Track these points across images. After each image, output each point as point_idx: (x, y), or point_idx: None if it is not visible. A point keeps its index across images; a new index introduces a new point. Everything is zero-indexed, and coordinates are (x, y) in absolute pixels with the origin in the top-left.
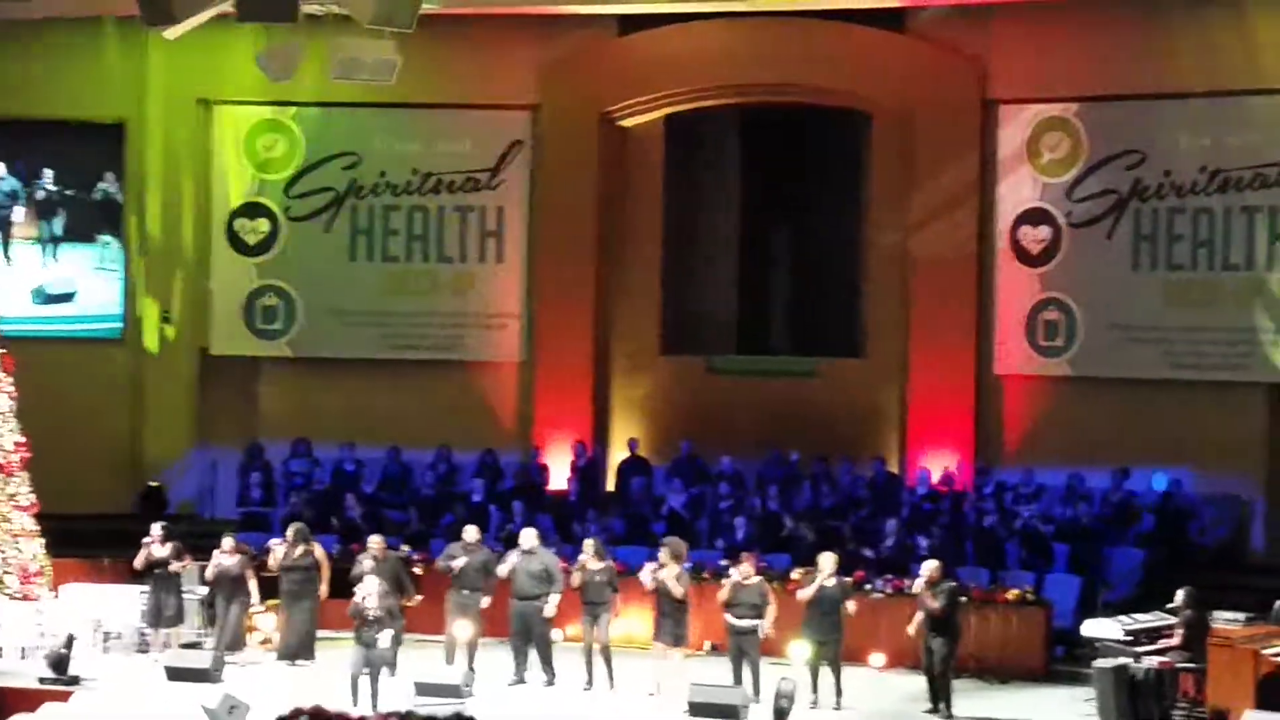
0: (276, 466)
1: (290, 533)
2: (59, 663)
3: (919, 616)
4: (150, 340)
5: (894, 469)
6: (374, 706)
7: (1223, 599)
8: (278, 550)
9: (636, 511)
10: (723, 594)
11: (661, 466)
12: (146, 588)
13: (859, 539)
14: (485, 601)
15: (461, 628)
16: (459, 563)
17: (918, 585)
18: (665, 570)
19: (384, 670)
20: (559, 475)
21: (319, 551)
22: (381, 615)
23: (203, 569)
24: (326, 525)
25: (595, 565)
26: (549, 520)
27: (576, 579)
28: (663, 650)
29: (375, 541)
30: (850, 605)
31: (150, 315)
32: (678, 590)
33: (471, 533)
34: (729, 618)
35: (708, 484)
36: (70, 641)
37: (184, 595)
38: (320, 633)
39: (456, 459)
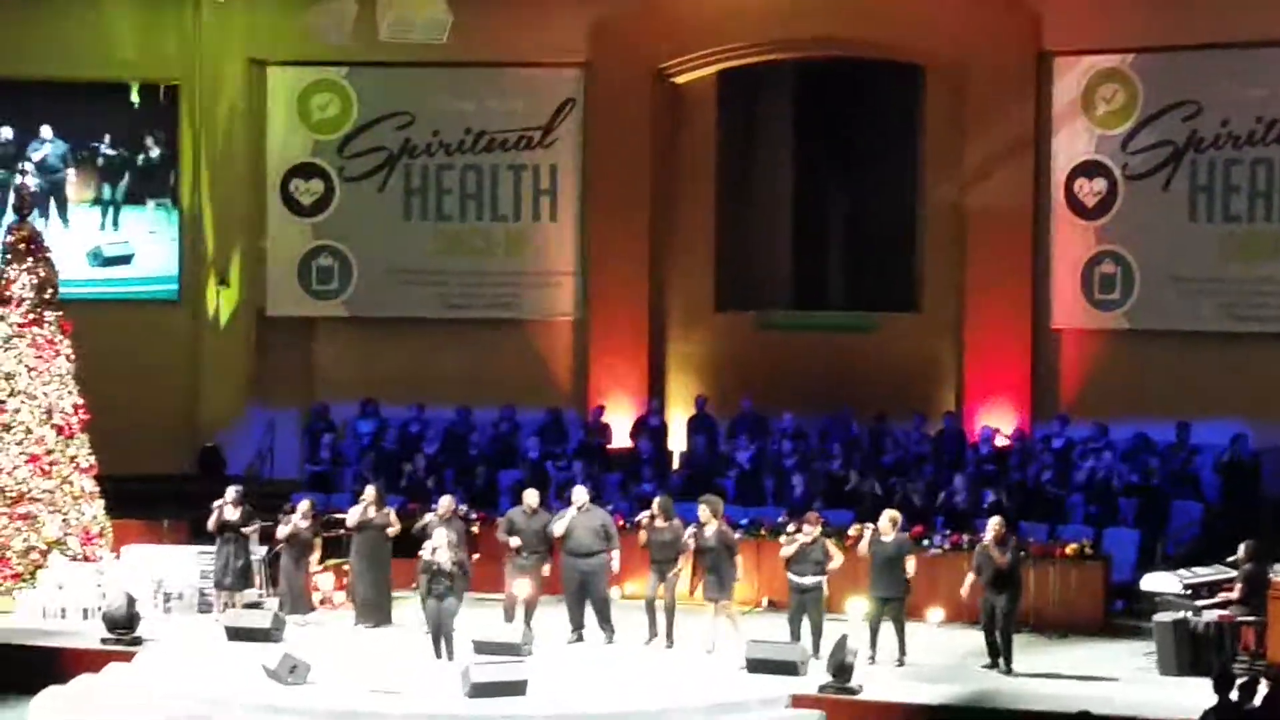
0: (338, 426)
1: (372, 493)
2: (123, 621)
3: (971, 577)
4: (208, 302)
5: (950, 424)
6: (450, 657)
7: None
8: (356, 510)
9: (701, 469)
10: (786, 551)
11: (720, 423)
12: (213, 548)
13: (925, 495)
14: (547, 568)
15: (520, 586)
16: (516, 542)
17: (985, 539)
18: (706, 527)
19: (454, 621)
20: (619, 433)
21: (393, 517)
22: (452, 569)
23: (265, 530)
24: (393, 485)
25: (661, 524)
26: (615, 478)
27: (642, 538)
28: (716, 606)
29: (445, 502)
30: (910, 563)
31: (207, 277)
32: (712, 544)
33: (532, 497)
34: (791, 575)
35: (771, 440)
36: (131, 601)
37: (252, 558)
38: (396, 593)
39: (519, 418)
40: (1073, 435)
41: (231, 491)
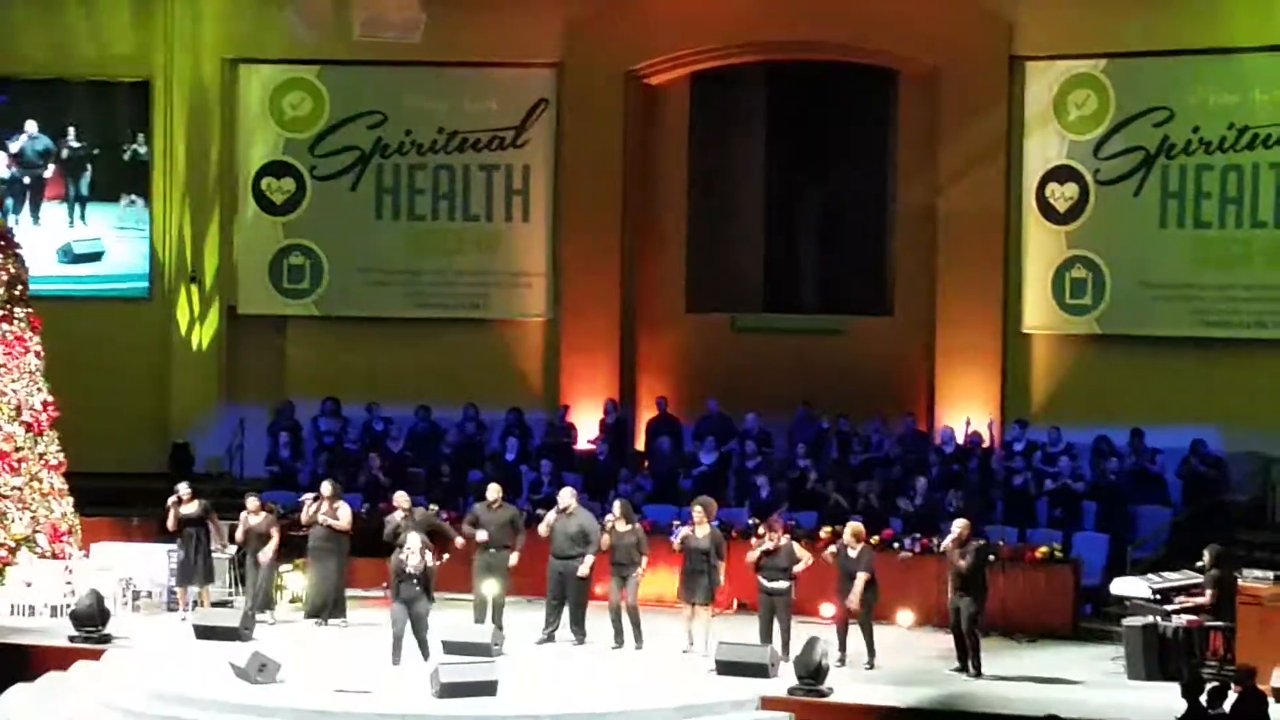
0: (306, 425)
1: (327, 488)
2: (91, 619)
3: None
4: (178, 299)
5: (921, 426)
6: (425, 658)
7: (1249, 557)
8: (310, 506)
9: (665, 470)
10: (752, 556)
11: (689, 425)
12: (175, 546)
13: (888, 497)
14: (513, 559)
15: (488, 586)
16: (483, 535)
17: (946, 543)
18: (697, 529)
19: (424, 624)
20: (586, 434)
21: (345, 514)
22: (419, 573)
23: (232, 528)
24: (354, 484)
25: (624, 527)
26: (578, 479)
27: (605, 540)
28: (691, 609)
29: (400, 498)
30: (860, 580)
31: (177, 274)
32: (705, 546)
33: (494, 491)
34: (760, 578)
35: (736, 442)
36: (100, 599)
37: (213, 554)
38: (350, 591)
39: (484, 418)
40: (1034, 439)
41: (183, 487)
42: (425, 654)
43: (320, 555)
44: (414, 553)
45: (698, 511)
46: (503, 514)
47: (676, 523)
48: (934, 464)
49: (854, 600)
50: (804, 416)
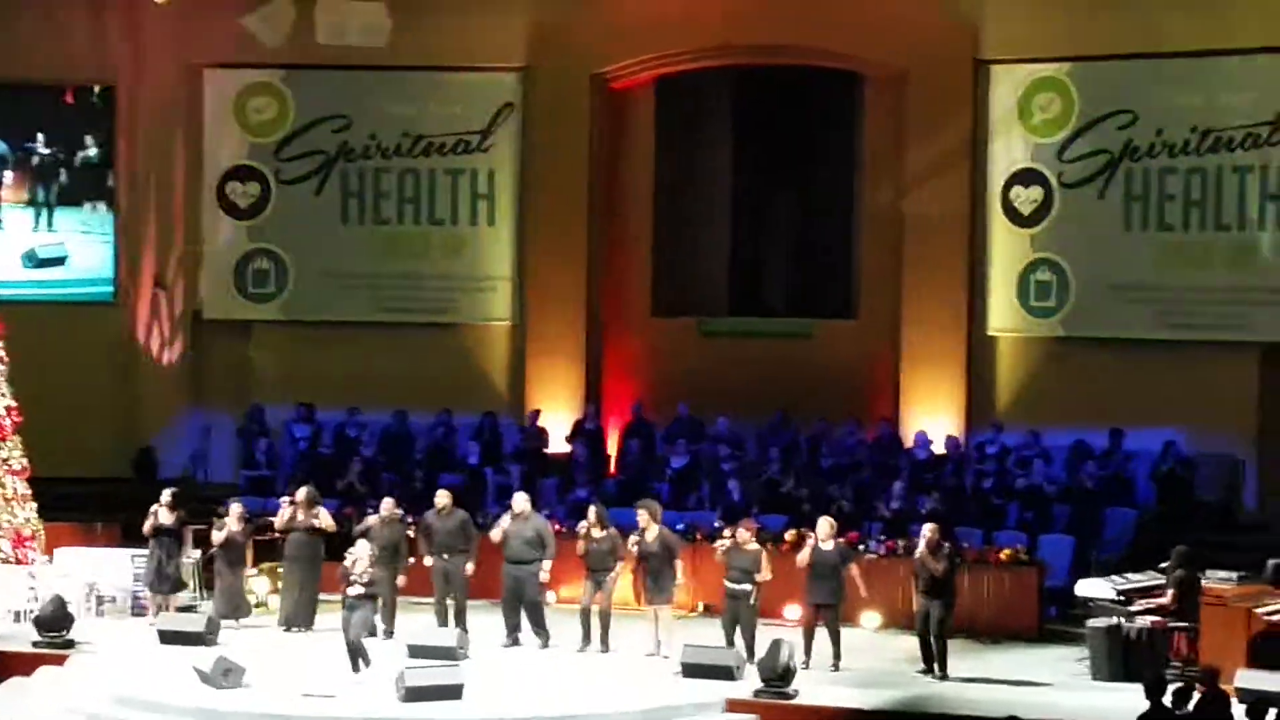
0: (274, 430)
1: (302, 495)
2: (55, 624)
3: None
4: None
5: (890, 431)
6: (354, 670)
7: (1215, 558)
8: (284, 512)
9: (636, 474)
10: (718, 556)
11: (658, 429)
12: (146, 552)
13: (859, 501)
14: (469, 567)
15: (443, 591)
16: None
17: (919, 547)
18: (647, 532)
19: (364, 636)
20: (556, 438)
21: (325, 517)
22: (368, 581)
23: (198, 533)
24: (329, 490)
25: (598, 534)
26: (553, 484)
27: (580, 547)
28: (654, 611)
29: (387, 504)
30: (858, 579)
31: (141, 279)
32: (654, 548)
33: (443, 497)
34: (725, 580)
35: (706, 445)
36: (63, 604)
37: (183, 560)
38: (321, 596)
39: (455, 422)
40: (1007, 441)
41: (166, 494)
42: (355, 665)
43: (298, 562)
44: (361, 559)
45: (643, 515)
46: (452, 520)
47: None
48: (904, 468)
49: (863, 591)
50: (774, 419)
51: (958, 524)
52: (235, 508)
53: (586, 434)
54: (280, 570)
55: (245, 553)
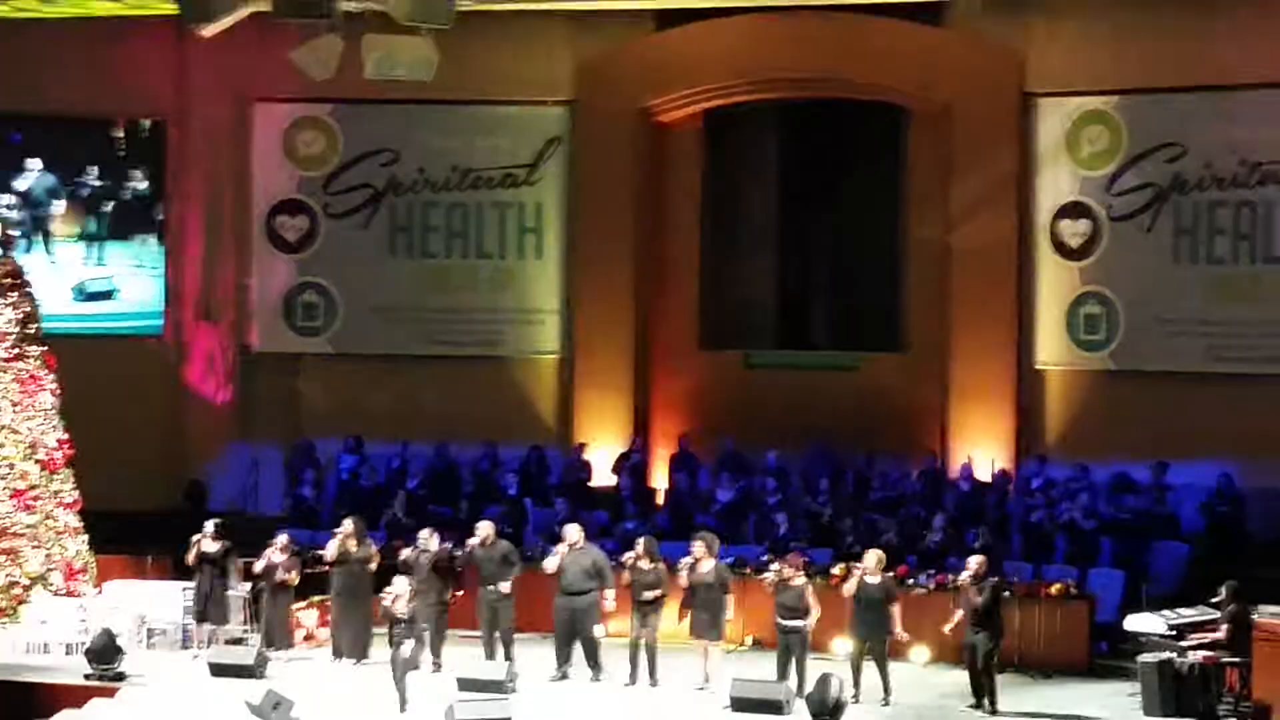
0: (323, 462)
1: (349, 527)
2: (105, 657)
3: (958, 614)
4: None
5: (937, 463)
6: (401, 708)
7: (1268, 593)
8: (334, 544)
9: (683, 507)
10: (766, 589)
11: (703, 462)
12: (192, 584)
13: (905, 535)
14: (505, 587)
15: (490, 624)
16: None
17: (962, 579)
18: (701, 564)
19: (411, 672)
20: (601, 471)
21: (371, 549)
22: (410, 617)
23: (247, 565)
24: (374, 522)
25: (646, 565)
26: (600, 516)
27: (627, 578)
28: (703, 645)
29: (425, 535)
30: (896, 618)
31: (191, 313)
32: (710, 580)
33: (484, 528)
34: (777, 617)
35: (753, 479)
36: (113, 636)
37: (230, 592)
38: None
39: (501, 455)
40: (1052, 475)
41: (210, 525)
42: (403, 705)
43: (347, 594)
44: (401, 596)
45: (699, 547)
46: (496, 550)
47: (684, 560)
48: (950, 500)
49: (898, 629)
50: (821, 453)
51: (1003, 557)
52: (281, 539)
53: (632, 467)
54: (328, 603)
55: (289, 584)
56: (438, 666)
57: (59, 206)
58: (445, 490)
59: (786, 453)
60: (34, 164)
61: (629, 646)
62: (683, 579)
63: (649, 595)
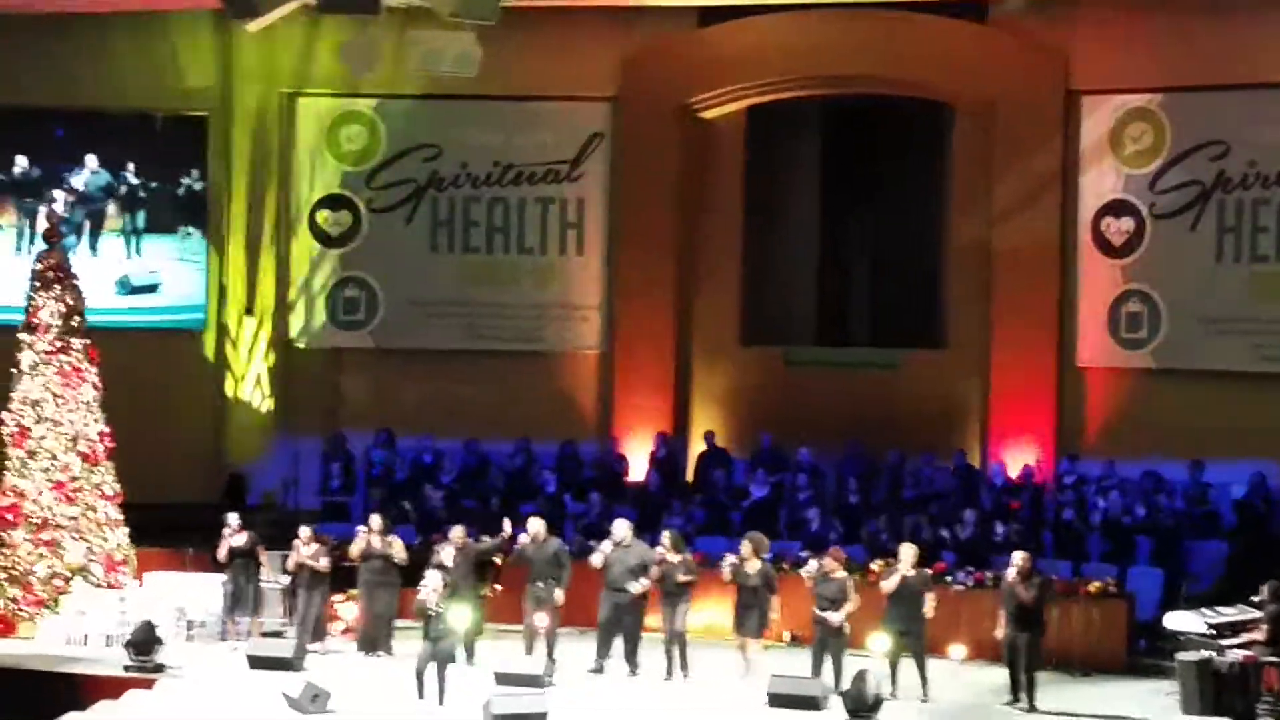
0: (358, 456)
1: (375, 522)
2: (144, 648)
3: (1002, 612)
4: (233, 331)
5: (975, 461)
6: (440, 701)
7: None
8: (360, 539)
9: (716, 502)
10: (806, 582)
11: (741, 458)
12: (226, 577)
13: (937, 529)
14: (560, 595)
15: (539, 619)
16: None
17: (1009, 575)
18: (747, 564)
19: (449, 665)
20: (638, 466)
21: (398, 545)
22: (443, 611)
23: (284, 558)
24: (405, 516)
25: (673, 558)
26: (632, 512)
27: (655, 571)
28: (743, 641)
29: (456, 532)
30: (929, 601)
31: (233, 306)
32: (755, 581)
33: (535, 525)
34: (814, 609)
35: (788, 475)
36: (152, 628)
37: (264, 584)
38: (400, 622)
39: (536, 450)
40: (1084, 472)
41: (233, 518)
42: (441, 697)
43: (373, 588)
44: (434, 591)
45: (746, 546)
46: (548, 548)
47: (728, 555)
48: (986, 497)
49: (929, 609)
50: (855, 450)
51: (1038, 555)
52: (304, 532)
53: (659, 462)
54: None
55: (323, 572)
56: (470, 660)
57: (112, 205)
58: (477, 486)
59: (825, 449)
60: (91, 160)
61: (664, 641)
62: (726, 575)
63: (680, 579)
